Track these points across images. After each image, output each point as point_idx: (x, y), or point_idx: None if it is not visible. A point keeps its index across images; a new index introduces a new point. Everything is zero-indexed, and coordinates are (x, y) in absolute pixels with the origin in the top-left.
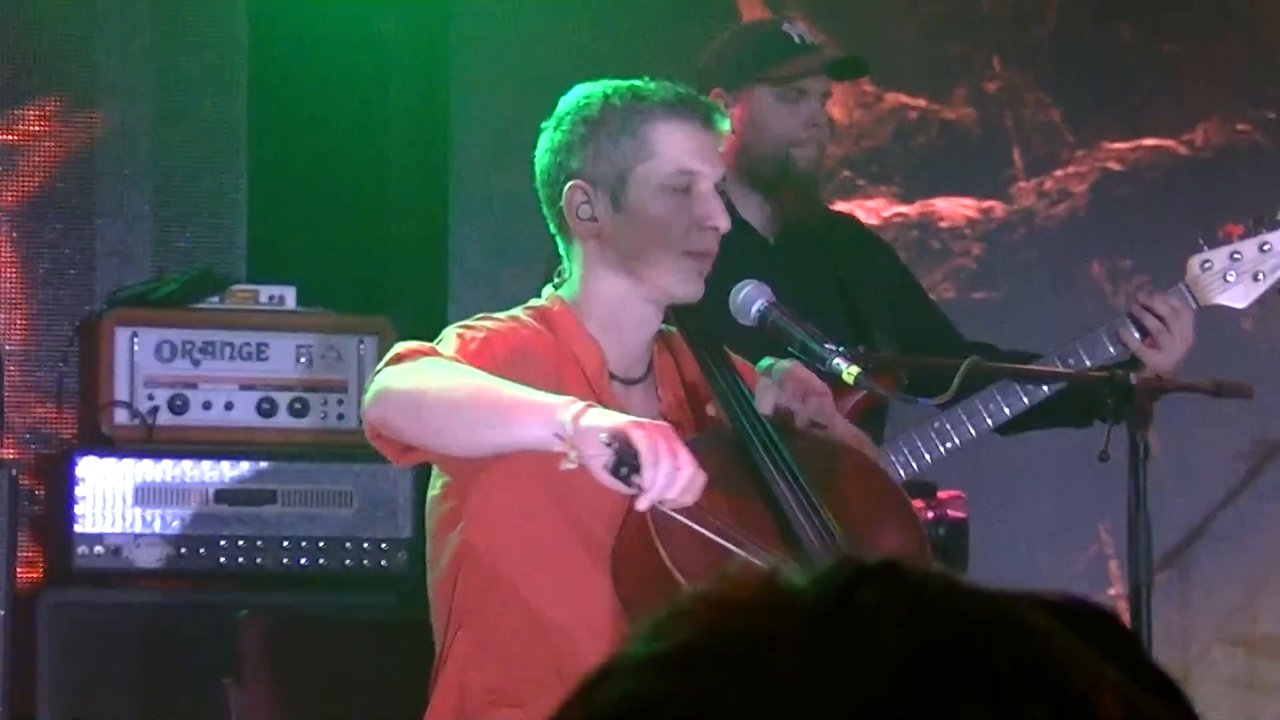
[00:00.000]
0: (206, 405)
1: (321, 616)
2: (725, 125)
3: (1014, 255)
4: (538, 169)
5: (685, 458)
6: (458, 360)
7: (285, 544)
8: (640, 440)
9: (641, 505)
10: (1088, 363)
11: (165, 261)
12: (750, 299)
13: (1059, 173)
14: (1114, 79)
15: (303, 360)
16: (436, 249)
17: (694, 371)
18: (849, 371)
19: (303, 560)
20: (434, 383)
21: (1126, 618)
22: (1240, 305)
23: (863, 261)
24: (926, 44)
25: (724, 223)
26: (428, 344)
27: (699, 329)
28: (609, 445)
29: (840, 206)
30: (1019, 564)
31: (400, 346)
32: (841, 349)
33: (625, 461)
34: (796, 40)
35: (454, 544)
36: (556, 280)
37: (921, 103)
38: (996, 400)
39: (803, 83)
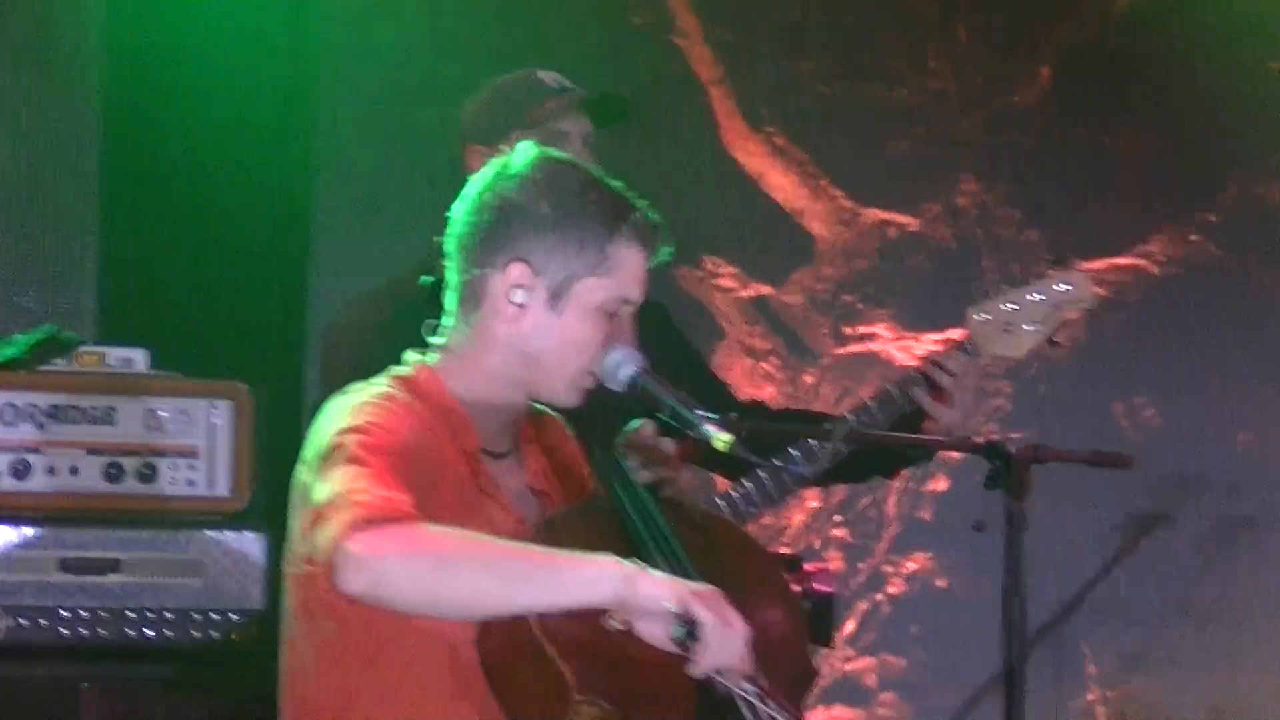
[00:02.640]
0: (51, 470)
1: (166, 690)
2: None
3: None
4: (474, 215)
5: (738, 624)
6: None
7: (130, 614)
8: (702, 613)
9: (696, 672)
10: (880, 419)
11: (9, 323)
12: (621, 364)
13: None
14: (1091, 196)
15: (152, 425)
16: (295, 310)
17: (559, 437)
18: (721, 438)
19: (149, 632)
20: (453, 547)
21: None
22: (1017, 356)
23: (646, 318)
24: (907, 162)
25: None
26: (383, 498)
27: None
28: (673, 614)
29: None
30: None
31: (359, 510)
32: (713, 416)
33: (690, 632)
34: (552, 85)
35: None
36: (426, 350)
37: (904, 220)
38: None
39: (562, 125)
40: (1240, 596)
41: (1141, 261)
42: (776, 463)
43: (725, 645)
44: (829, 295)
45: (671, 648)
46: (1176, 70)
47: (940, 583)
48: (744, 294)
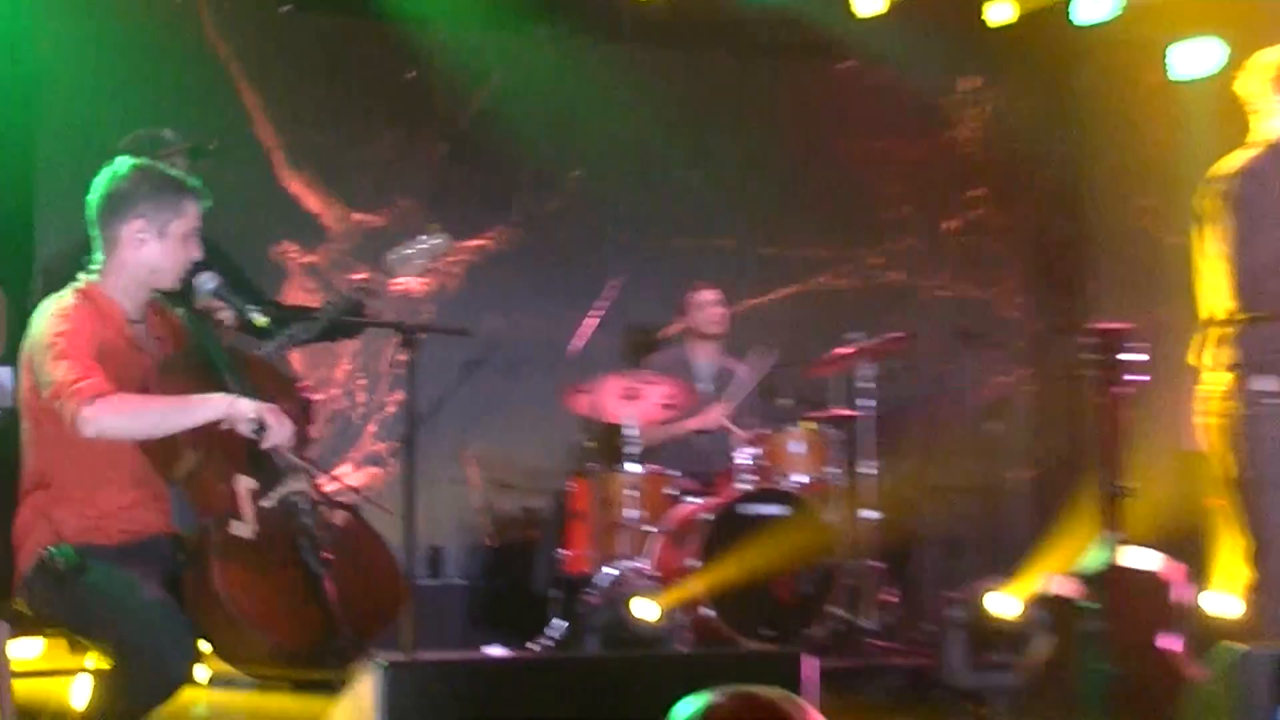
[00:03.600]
0: None
1: None
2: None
3: None
4: (105, 197)
5: (286, 422)
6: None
7: None
8: (268, 418)
9: (266, 447)
10: (342, 306)
11: None
12: (207, 280)
13: None
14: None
15: None
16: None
17: (163, 310)
18: (260, 319)
19: None
20: (138, 404)
21: None
22: (412, 275)
23: (216, 254)
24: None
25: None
26: (90, 383)
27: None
28: (253, 419)
29: None
30: None
31: (81, 394)
32: (256, 306)
33: (260, 427)
34: (169, 138)
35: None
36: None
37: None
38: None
39: (174, 159)
40: None
41: (487, 242)
42: (290, 331)
43: (280, 433)
44: (339, 254)
45: (251, 434)
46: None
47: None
48: (304, 260)
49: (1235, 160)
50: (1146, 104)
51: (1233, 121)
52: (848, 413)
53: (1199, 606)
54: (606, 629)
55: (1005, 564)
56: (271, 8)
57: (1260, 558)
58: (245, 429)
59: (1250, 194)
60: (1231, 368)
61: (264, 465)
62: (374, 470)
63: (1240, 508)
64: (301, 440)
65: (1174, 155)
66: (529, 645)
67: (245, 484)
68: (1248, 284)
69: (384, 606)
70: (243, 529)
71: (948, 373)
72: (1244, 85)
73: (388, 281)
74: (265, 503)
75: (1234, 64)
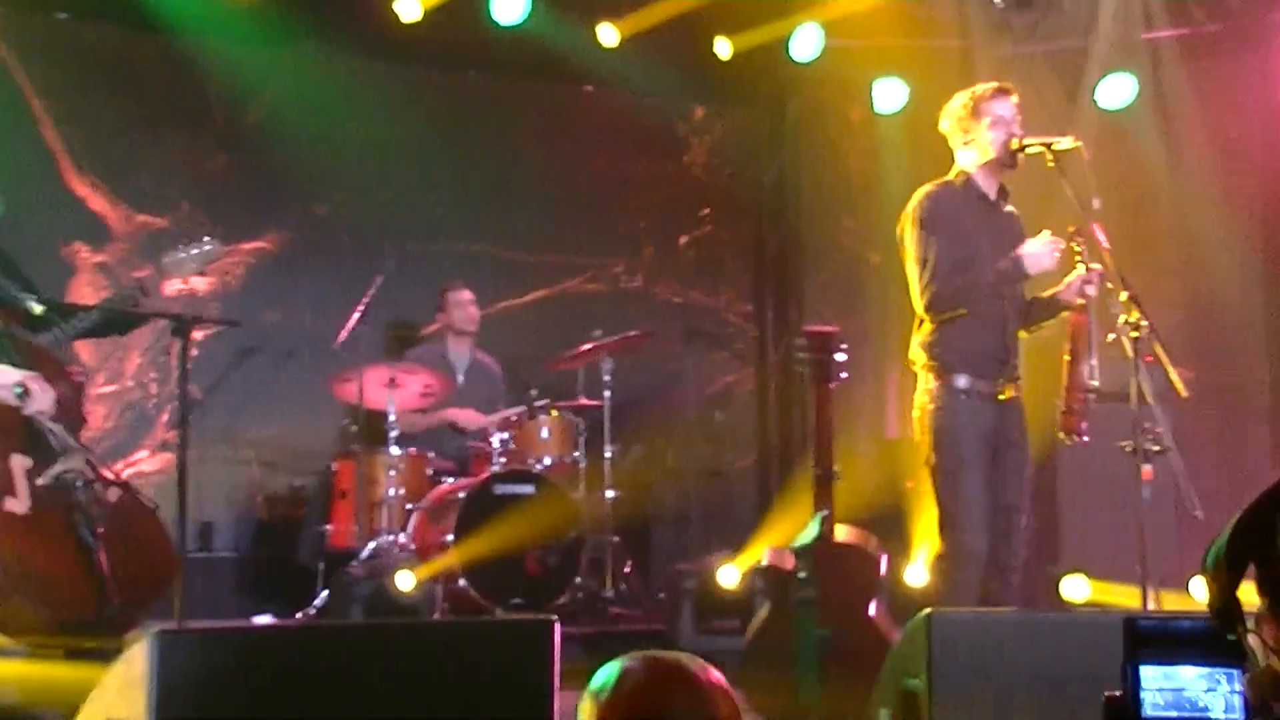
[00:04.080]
0: None
1: None
2: None
3: None
4: None
5: (49, 390)
6: None
7: None
8: (33, 386)
9: (28, 413)
10: (131, 297)
11: None
12: None
13: None
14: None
15: None
16: None
17: None
18: (36, 308)
19: None
20: None
21: None
22: (186, 273)
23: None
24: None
25: None
26: None
27: None
28: (17, 383)
29: None
30: None
31: None
32: (32, 296)
33: (24, 393)
34: None
35: None
36: None
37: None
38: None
39: None
40: None
41: (265, 244)
42: (68, 323)
43: (42, 399)
44: (125, 254)
45: (14, 401)
46: None
47: None
48: (94, 260)
49: (929, 186)
50: (850, 135)
51: (922, 153)
52: (591, 403)
53: (898, 577)
54: (368, 599)
55: (730, 539)
56: (53, 16)
57: (947, 532)
58: (7, 395)
59: (933, 215)
60: (928, 365)
61: (40, 445)
62: (168, 456)
63: (933, 489)
64: (76, 422)
65: (873, 182)
66: (295, 615)
67: (20, 463)
68: (936, 291)
69: (156, 578)
70: (17, 505)
71: (680, 369)
72: (942, 124)
73: (163, 280)
74: (41, 480)
75: (914, 102)
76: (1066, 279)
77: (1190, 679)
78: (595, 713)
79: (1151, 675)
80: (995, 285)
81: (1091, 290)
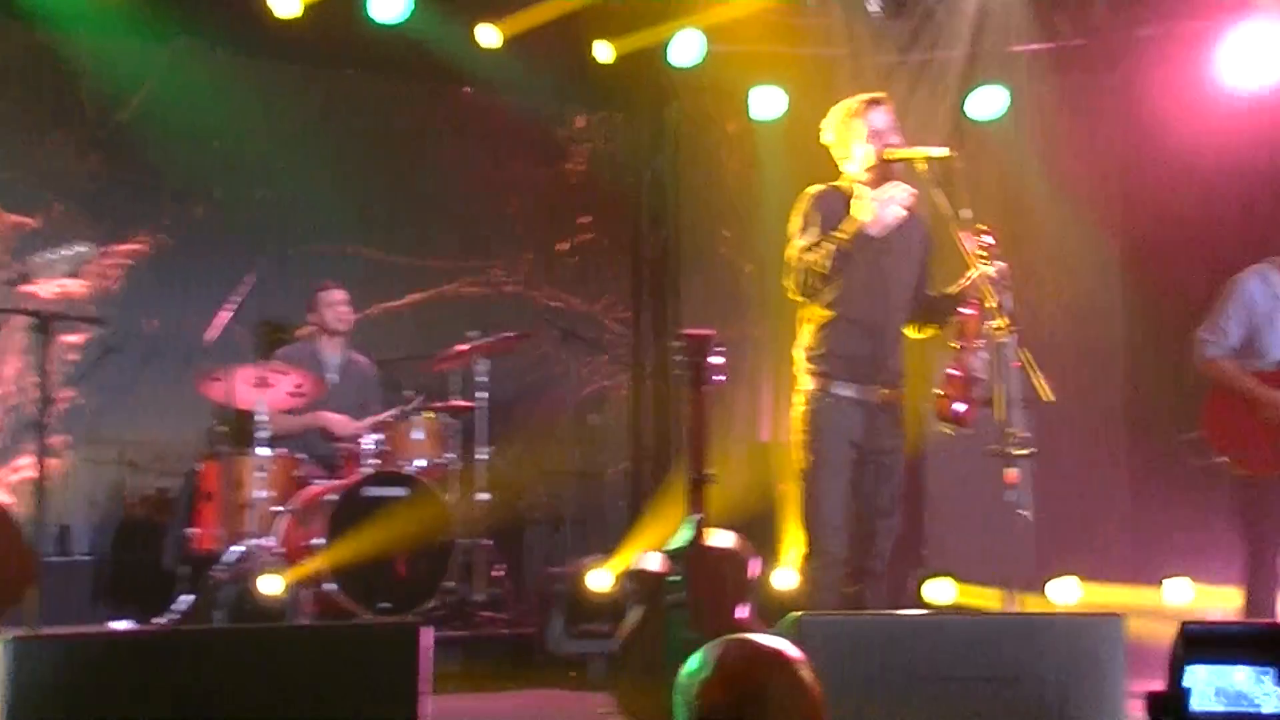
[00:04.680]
0: None
1: None
2: None
3: None
4: None
5: None
6: None
7: None
8: None
9: None
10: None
11: None
12: None
13: None
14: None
15: None
16: None
17: None
18: None
19: None
20: None
21: None
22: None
23: None
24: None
25: None
26: None
27: None
28: None
29: None
30: None
31: None
32: None
33: None
34: None
35: None
36: None
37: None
38: None
39: None
40: None
41: (141, 245)
42: None
43: None
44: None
45: None
46: None
47: None
48: None
49: (819, 186)
50: (729, 143)
51: (800, 161)
52: (465, 404)
53: (768, 580)
54: (233, 603)
55: (603, 543)
56: None
57: (807, 534)
58: None
59: (816, 208)
60: (804, 368)
61: None
62: (50, 461)
63: (800, 493)
64: None
65: (752, 190)
66: (155, 620)
67: None
68: (796, 265)
69: (10, 583)
70: None
71: (556, 372)
72: (825, 136)
73: (31, 280)
74: None
75: (793, 111)
76: (969, 274)
77: (1241, 679)
78: (695, 691)
79: (1202, 675)
80: (844, 248)
81: (996, 289)
